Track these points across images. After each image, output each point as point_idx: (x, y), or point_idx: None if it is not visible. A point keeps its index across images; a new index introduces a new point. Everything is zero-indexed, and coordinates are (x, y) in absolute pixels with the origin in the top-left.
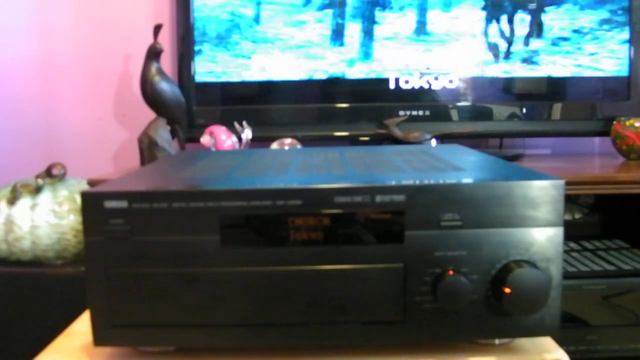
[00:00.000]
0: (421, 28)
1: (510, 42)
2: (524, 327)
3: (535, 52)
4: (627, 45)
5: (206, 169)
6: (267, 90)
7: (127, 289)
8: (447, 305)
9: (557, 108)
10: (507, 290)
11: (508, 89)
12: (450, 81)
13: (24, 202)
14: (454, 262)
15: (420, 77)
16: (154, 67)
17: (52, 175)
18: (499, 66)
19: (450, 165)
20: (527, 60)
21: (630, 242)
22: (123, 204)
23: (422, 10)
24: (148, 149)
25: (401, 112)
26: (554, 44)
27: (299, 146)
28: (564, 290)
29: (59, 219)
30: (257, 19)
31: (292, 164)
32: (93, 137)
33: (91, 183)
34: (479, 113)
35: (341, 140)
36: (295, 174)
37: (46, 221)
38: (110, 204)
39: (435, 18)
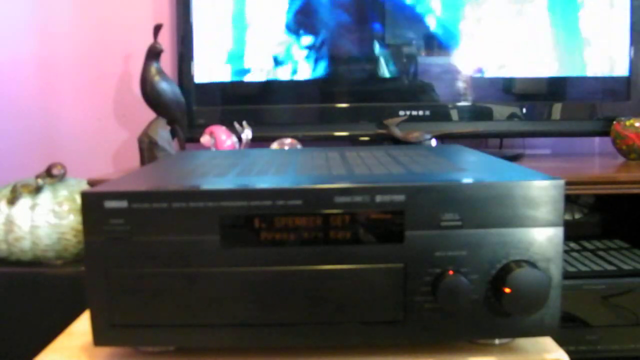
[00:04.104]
0: None
1: None
2: (524, 327)
3: None
4: None
5: (206, 169)
6: (267, 90)
7: (127, 289)
8: (447, 305)
9: (557, 108)
10: (507, 290)
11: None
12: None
13: (24, 202)
14: (454, 262)
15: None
16: (154, 67)
17: (52, 175)
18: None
19: (450, 165)
20: None
21: (630, 242)
22: (123, 204)
23: None
24: (148, 149)
25: (401, 112)
26: None
27: (299, 146)
28: (564, 290)
29: (59, 219)
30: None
31: (292, 164)
32: (93, 137)
33: (91, 183)
34: (479, 113)
35: (341, 140)
36: (295, 174)
37: (46, 221)
38: (110, 204)
39: None
